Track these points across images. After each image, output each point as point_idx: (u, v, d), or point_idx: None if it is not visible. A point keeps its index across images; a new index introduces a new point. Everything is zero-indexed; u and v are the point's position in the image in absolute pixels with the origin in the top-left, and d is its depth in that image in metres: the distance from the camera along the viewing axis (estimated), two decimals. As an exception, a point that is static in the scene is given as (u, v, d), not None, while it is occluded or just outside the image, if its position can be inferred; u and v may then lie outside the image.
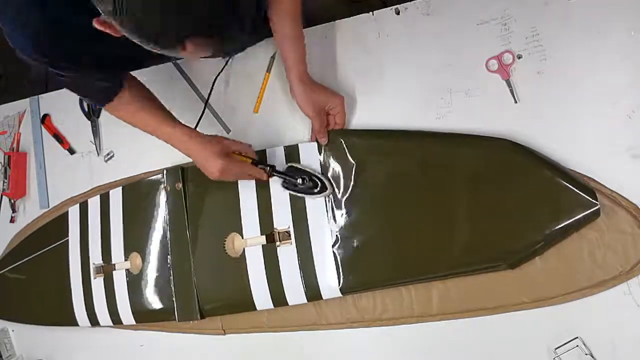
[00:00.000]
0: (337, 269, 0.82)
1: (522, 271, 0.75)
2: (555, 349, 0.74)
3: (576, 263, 0.73)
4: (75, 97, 1.10)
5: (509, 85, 0.80)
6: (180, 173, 0.93)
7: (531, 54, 0.79)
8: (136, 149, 1.04)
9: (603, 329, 0.73)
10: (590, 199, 0.69)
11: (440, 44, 0.85)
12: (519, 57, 0.80)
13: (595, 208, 0.69)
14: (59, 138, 1.12)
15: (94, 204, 1.01)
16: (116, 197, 0.99)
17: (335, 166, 0.85)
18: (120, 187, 1.00)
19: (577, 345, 0.73)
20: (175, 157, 0.98)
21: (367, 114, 0.88)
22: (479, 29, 0.83)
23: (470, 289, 0.78)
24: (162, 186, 0.95)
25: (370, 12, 0.89)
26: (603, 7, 0.77)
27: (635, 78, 0.74)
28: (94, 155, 1.08)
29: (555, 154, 0.75)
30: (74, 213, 1.03)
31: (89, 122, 1.09)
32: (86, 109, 1.09)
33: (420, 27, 0.86)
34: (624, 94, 0.75)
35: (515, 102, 0.80)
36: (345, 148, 0.84)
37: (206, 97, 0.95)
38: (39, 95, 1.17)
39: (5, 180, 1.13)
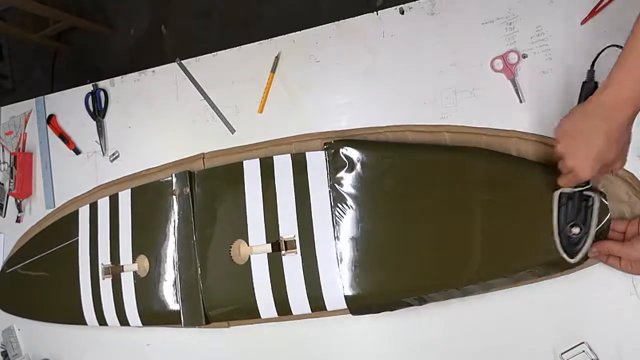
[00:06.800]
0: (343, 281, 0.80)
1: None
2: (562, 354, 0.73)
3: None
4: (80, 98, 1.11)
5: (514, 84, 0.79)
6: (189, 178, 0.93)
7: (536, 54, 0.78)
8: (141, 149, 1.05)
9: (609, 333, 0.72)
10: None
11: (445, 43, 0.84)
12: (524, 56, 0.79)
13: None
14: (64, 138, 1.12)
15: (104, 205, 1.01)
16: (125, 200, 0.99)
17: (341, 176, 0.82)
18: (129, 190, 1.00)
19: (584, 351, 0.72)
20: (180, 157, 0.99)
21: (371, 115, 0.87)
22: (483, 29, 0.82)
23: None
24: (170, 190, 0.94)
25: (375, 12, 0.89)
26: (609, 6, 0.75)
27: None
28: (99, 155, 1.08)
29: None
30: (84, 213, 1.04)
31: (94, 122, 1.09)
32: (91, 109, 1.10)
33: (424, 27, 0.85)
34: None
35: (521, 101, 0.78)
36: (352, 158, 0.82)
37: (210, 97, 0.95)
38: (45, 96, 1.18)
39: (12, 180, 1.14)
